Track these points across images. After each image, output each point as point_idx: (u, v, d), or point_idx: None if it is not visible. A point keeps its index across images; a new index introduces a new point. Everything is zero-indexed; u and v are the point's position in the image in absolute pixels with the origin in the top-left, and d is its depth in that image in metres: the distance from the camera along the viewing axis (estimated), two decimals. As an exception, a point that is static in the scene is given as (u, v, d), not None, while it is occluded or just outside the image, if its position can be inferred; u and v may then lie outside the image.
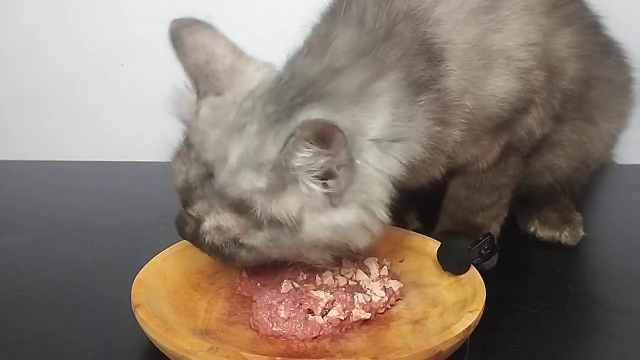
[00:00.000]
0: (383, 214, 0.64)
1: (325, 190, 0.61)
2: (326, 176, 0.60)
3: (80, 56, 1.25)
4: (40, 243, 0.91)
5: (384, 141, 0.65)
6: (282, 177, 0.60)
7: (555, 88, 0.77)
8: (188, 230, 0.67)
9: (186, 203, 0.66)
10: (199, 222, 0.65)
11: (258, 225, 0.62)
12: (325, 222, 0.61)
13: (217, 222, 0.63)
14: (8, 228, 0.96)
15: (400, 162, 0.66)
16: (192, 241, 0.68)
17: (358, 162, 0.62)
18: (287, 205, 0.60)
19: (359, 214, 0.62)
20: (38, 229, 0.95)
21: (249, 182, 0.61)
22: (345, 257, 0.76)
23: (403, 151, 0.66)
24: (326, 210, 0.61)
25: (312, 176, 0.60)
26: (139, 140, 1.21)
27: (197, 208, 0.64)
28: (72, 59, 1.25)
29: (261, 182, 0.60)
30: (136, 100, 1.25)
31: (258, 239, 0.63)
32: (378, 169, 0.64)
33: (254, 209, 0.61)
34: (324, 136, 0.57)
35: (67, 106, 1.29)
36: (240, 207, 0.62)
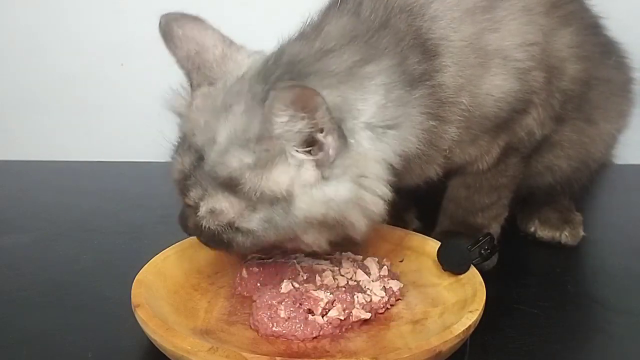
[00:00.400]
0: (383, 189, 0.64)
1: (313, 158, 0.61)
2: (312, 145, 0.60)
3: (80, 56, 1.25)
4: (40, 243, 0.91)
5: (377, 127, 0.65)
6: (269, 150, 0.60)
7: (555, 88, 0.77)
8: (190, 224, 0.67)
9: (182, 192, 0.66)
10: (196, 209, 0.65)
11: (251, 205, 0.62)
12: (317, 195, 0.61)
13: (211, 205, 0.63)
14: (8, 228, 0.96)
15: (395, 151, 0.66)
16: (195, 235, 0.68)
17: (352, 141, 0.62)
18: (276, 179, 0.61)
19: (352, 188, 0.62)
20: (38, 229, 0.95)
21: (237, 160, 0.61)
22: (345, 257, 0.76)
23: (397, 140, 0.66)
24: (318, 183, 0.61)
25: (296, 144, 0.60)
26: (139, 140, 1.21)
27: (192, 195, 0.64)
28: (72, 59, 1.25)
29: (249, 158, 0.60)
30: (136, 100, 1.25)
31: (253, 222, 0.63)
32: (372, 150, 0.64)
33: (245, 185, 0.61)
34: (299, 98, 0.57)
35: (67, 106, 1.29)
36: (231, 186, 0.62)
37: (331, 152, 0.60)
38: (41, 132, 1.30)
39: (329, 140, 0.60)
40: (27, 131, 1.30)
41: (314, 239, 0.65)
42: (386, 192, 0.64)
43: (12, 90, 1.28)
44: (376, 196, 0.64)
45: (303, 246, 0.66)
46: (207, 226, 0.64)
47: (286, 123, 0.58)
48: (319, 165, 0.61)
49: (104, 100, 1.28)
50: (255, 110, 0.62)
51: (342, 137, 0.61)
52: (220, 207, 0.63)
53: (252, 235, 0.64)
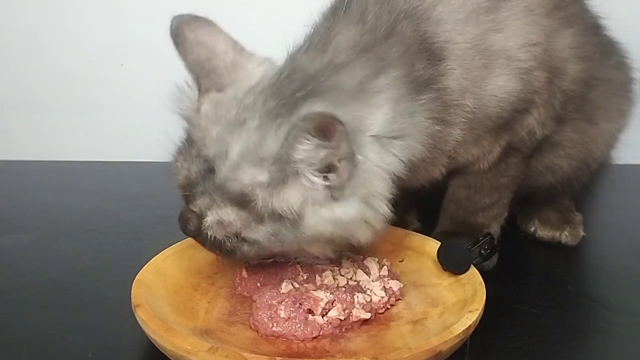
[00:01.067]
0: (385, 209, 0.64)
1: (327, 184, 0.61)
2: (327, 169, 0.61)
3: (80, 56, 1.25)
4: (40, 243, 0.91)
5: (384, 138, 0.65)
6: (283, 171, 0.60)
7: (557, 89, 0.77)
8: (190, 227, 0.67)
9: (188, 199, 0.66)
10: (201, 217, 0.65)
11: (259, 219, 0.62)
12: (326, 215, 0.62)
13: (219, 216, 0.63)
14: (8, 228, 0.96)
15: (401, 160, 0.66)
16: (194, 237, 0.68)
17: (359, 157, 0.62)
18: (288, 198, 0.61)
19: (360, 208, 0.62)
20: (38, 229, 0.95)
21: (250, 177, 0.61)
22: (345, 257, 0.76)
23: (403, 149, 0.66)
24: (327, 203, 0.62)
25: (313, 169, 0.60)
26: (139, 140, 1.21)
27: (199, 204, 0.65)
28: (72, 59, 1.25)
29: (262, 177, 0.60)
30: (136, 100, 1.25)
31: (260, 233, 0.63)
32: (378, 164, 0.64)
33: (255, 202, 0.61)
34: (325, 128, 0.57)
35: (67, 106, 1.29)
36: (242, 201, 0.62)
37: (344, 175, 0.61)
38: (41, 132, 1.30)
39: (343, 165, 0.60)
40: (27, 131, 1.30)
41: (319, 251, 0.66)
42: (387, 211, 0.64)
43: (12, 90, 1.28)
44: (379, 214, 0.64)
45: (308, 255, 0.67)
46: (213, 235, 0.65)
47: (309, 151, 0.59)
48: (330, 187, 0.61)
49: (104, 100, 1.28)
50: (269, 127, 0.62)
51: (354, 159, 0.61)
52: (229, 219, 0.63)
53: (258, 245, 0.64)
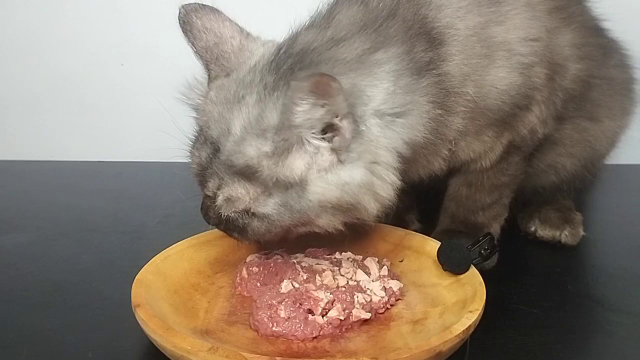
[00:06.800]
0: (392, 177, 0.65)
1: (331, 145, 0.62)
2: (329, 131, 0.61)
3: (80, 56, 1.25)
4: (40, 243, 0.91)
5: (386, 115, 0.65)
6: (287, 139, 0.61)
7: (557, 86, 0.77)
8: (211, 214, 0.68)
9: (201, 184, 0.67)
10: (214, 199, 0.66)
11: (267, 191, 0.63)
12: (332, 179, 0.63)
13: (228, 193, 0.64)
14: (8, 228, 0.96)
15: (403, 139, 0.67)
16: (217, 225, 0.69)
17: (363, 128, 0.63)
18: (293, 166, 0.62)
19: (365, 174, 0.63)
20: (38, 229, 0.95)
21: (254, 148, 0.62)
22: (345, 257, 0.76)
23: (405, 128, 0.67)
24: (333, 168, 0.63)
25: (315, 132, 0.61)
26: (139, 140, 1.21)
27: (210, 185, 0.66)
28: (72, 59, 1.26)
29: (267, 147, 0.61)
30: (136, 100, 1.25)
31: (268, 206, 0.64)
32: (382, 138, 0.65)
33: (261, 173, 0.62)
34: (318, 86, 0.57)
35: (67, 106, 1.29)
36: (248, 174, 0.63)
37: (347, 135, 0.61)
38: (41, 132, 1.30)
39: (344, 124, 0.61)
40: (27, 131, 1.31)
41: (328, 222, 0.66)
42: (395, 179, 0.65)
43: (12, 90, 1.28)
44: (386, 183, 0.65)
45: (317, 229, 0.67)
46: (225, 214, 0.66)
47: (307, 112, 0.59)
48: (335, 149, 0.62)
49: (104, 100, 1.28)
50: (267, 99, 0.63)
51: (355, 122, 0.62)
52: (237, 194, 0.64)
53: (267, 219, 0.65)
